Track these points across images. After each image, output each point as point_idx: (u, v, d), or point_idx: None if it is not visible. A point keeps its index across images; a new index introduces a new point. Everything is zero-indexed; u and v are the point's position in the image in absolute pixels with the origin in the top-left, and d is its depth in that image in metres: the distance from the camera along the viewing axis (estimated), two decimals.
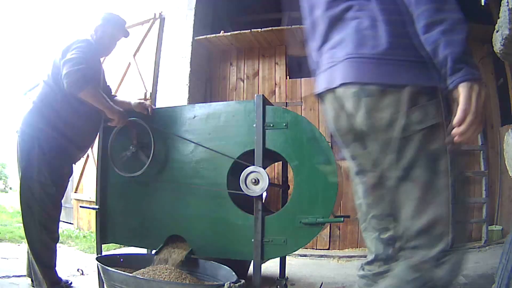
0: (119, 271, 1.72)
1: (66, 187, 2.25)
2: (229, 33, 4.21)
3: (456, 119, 0.86)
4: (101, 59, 2.46)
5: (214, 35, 4.26)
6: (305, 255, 3.60)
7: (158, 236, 1.98)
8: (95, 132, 2.27)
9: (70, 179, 2.38)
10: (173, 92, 4.19)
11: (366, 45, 0.91)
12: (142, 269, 1.80)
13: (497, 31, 1.56)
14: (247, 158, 1.82)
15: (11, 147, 2.43)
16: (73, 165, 2.31)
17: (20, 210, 2.12)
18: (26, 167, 2.06)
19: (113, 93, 2.47)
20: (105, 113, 2.02)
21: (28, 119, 2.11)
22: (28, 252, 2.21)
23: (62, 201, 2.24)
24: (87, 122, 2.17)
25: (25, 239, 2.13)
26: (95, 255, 2.09)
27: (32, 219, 2.05)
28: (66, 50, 2.02)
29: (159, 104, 4.21)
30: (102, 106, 2.00)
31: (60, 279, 2.15)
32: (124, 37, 2.32)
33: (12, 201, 8.54)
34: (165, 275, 1.73)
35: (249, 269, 2.39)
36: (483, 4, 2.20)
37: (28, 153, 2.06)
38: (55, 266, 2.14)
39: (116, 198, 2.13)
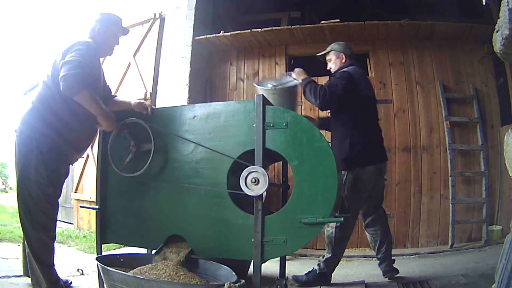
0: (119, 271, 1.72)
1: (62, 187, 2.24)
2: (229, 33, 4.21)
3: None
4: (101, 59, 2.45)
5: (214, 35, 4.25)
6: (305, 255, 3.60)
7: (158, 236, 1.98)
8: (93, 134, 2.27)
9: (68, 179, 2.37)
10: (173, 92, 4.18)
11: None
12: (142, 266, 1.80)
13: (497, 31, 1.56)
14: (247, 158, 1.82)
15: (11, 147, 2.42)
16: (70, 165, 2.31)
17: (18, 210, 2.12)
18: (24, 167, 2.06)
19: (113, 93, 2.47)
20: (97, 117, 2.04)
21: (27, 120, 2.11)
22: (24, 251, 2.22)
23: (62, 201, 2.24)
24: (85, 124, 2.17)
25: (24, 239, 2.14)
26: (95, 255, 2.09)
27: (30, 219, 2.05)
28: (66, 51, 2.01)
29: (159, 104, 4.20)
30: (95, 111, 2.01)
31: (59, 277, 2.15)
32: (123, 35, 2.32)
33: (12, 201, 8.53)
34: (173, 273, 1.73)
35: (249, 269, 2.39)
36: (484, 3, 2.20)
37: (26, 154, 2.06)
38: (54, 265, 2.14)
39: (116, 198, 2.13)
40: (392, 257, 2.67)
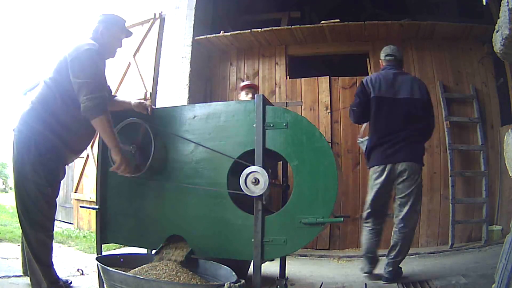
0: (119, 271, 1.72)
1: (59, 187, 2.24)
2: (229, 33, 4.21)
3: None
4: None
5: (214, 35, 4.25)
6: (305, 255, 3.60)
7: (158, 236, 1.98)
8: (90, 137, 2.27)
9: (68, 179, 2.37)
10: (173, 92, 4.18)
11: None
12: (142, 266, 1.80)
13: (497, 31, 1.56)
14: (247, 158, 1.82)
15: (10, 147, 2.42)
16: (66, 166, 2.31)
17: (16, 209, 2.12)
18: (22, 167, 2.05)
19: (113, 93, 2.47)
20: (110, 151, 1.95)
21: (26, 119, 2.10)
22: (23, 250, 2.22)
23: (62, 201, 2.24)
24: (84, 127, 2.16)
25: (22, 238, 2.14)
26: (95, 255, 2.09)
27: (28, 219, 2.05)
28: (76, 59, 1.99)
29: (159, 104, 4.20)
30: (109, 141, 1.93)
31: (58, 277, 2.16)
32: (126, 37, 2.31)
33: (12, 201, 8.54)
34: (173, 273, 1.73)
35: (249, 269, 2.39)
36: (484, 3, 2.20)
37: (24, 153, 2.05)
38: (53, 264, 2.14)
39: (116, 198, 2.13)
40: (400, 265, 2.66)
